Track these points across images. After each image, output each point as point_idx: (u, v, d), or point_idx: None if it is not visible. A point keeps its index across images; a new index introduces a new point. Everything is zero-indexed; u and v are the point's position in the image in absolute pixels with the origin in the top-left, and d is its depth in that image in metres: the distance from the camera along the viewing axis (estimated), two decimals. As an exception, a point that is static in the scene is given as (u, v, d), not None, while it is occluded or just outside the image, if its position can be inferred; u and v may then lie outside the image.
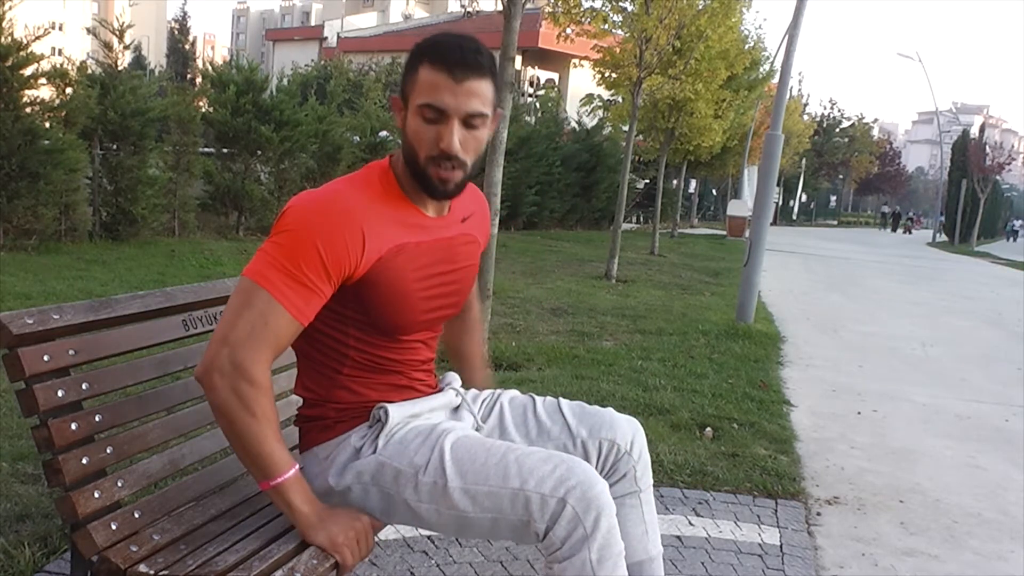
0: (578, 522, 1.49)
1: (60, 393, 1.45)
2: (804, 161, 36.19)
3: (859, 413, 4.69)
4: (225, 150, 11.47)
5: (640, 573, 1.79)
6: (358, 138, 13.45)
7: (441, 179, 1.56)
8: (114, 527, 1.48)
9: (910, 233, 47.49)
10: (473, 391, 1.91)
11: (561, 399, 1.88)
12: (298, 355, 1.69)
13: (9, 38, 8.04)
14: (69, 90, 8.88)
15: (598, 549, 1.50)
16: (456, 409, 1.81)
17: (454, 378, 1.87)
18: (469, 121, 1.53)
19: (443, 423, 1.70)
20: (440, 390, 1.82)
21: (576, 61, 28.24)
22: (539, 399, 1.88)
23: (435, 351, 1.81)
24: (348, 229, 1.50)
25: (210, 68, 12.44)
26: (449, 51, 1.51)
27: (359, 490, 1.62)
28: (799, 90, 42.88)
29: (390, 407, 1.63)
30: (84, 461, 1.46)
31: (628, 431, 1.81)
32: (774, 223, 28.27)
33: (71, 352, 1.49)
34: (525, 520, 1.52)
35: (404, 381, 1.71)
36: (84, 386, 1.50)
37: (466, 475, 1.55)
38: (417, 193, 1.61)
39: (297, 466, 1.52)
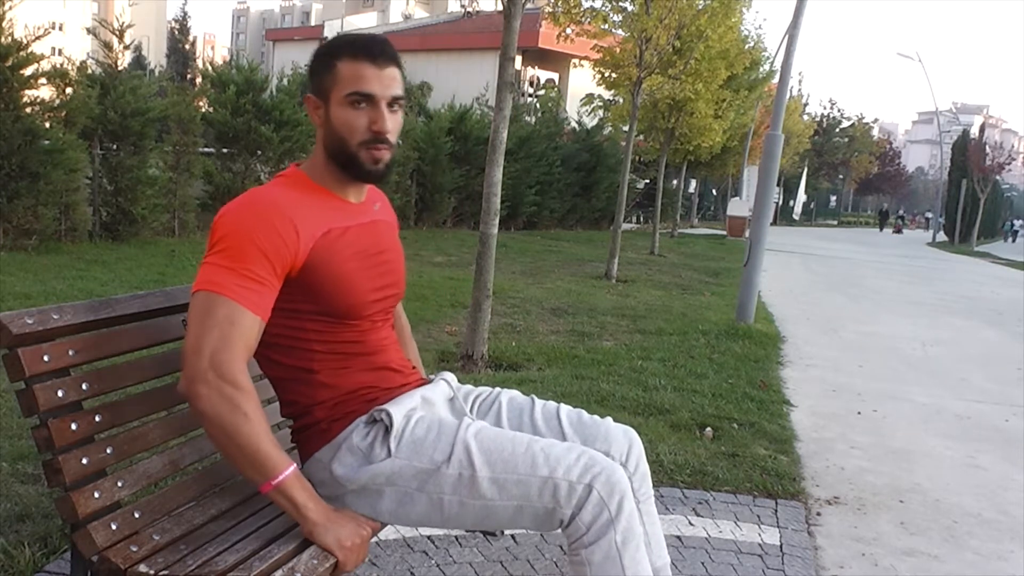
0: (603, 507, 1.55)
1: (60, 393, 1.45)
2: (807, 161, 36.05)
3: (859, 413, 4.69)
4: (225, 150, 11.47)
5: None
6: (358, 138, 13.43)
7: (374, 159, 1.66)
8: (114, 527, 1.48)
9: (900, 232, 46.78)
10: (468, 386, 1.92)
11: (561, 406, 1.88)
12: (269, 377, 1.71)
13: (9, 38, 8.04)
14: (69, 90, 8.88)
15: (622, 532, 1.56)
16: (451, 401, 1.83)
17: (448, 375, 1.89)
18: (392, 104, 1.65)
19: (453, 418, 1.73)
20: (428, 380, 1.84)
21: (576, 61, 28.21)
22: (539, 403, 1.88)
23: (393, 330, 1.84)
24: (280, 221, 1.56)
25: (210, 68, 12.45)
26: (367, 44, 1.64)
27: (373, 491, 1.63)
28: (799, 90, 42.86)
29: (389, 407, 1.64)
30: (84, 461, 1.46)
31: (623, 443, 1.82)
32: (774, 223, 28.26)
33: (71, 352, 1.49)
34: (551, 507, 1.57)
35: (379, 362, 1.72)
36: (84, 386, 1.49)
37: (495, 465, 1.59)
38: (337, 183, 1.70)
39: (295, 464, 1.53)
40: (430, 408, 1.74)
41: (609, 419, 1.87)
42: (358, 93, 1.62)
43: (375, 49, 1.63)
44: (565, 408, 1.87)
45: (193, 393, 1.47)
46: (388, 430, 1.62)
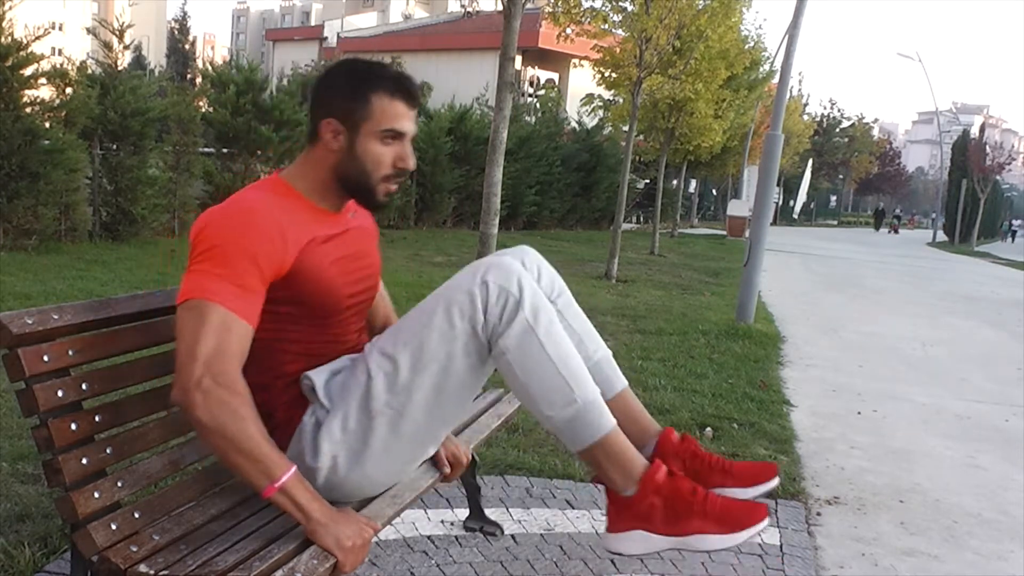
0: (504, 292, 1.59)
1: (60, 393, 1.45)
2: (811, 162, 35.89)
3: (859, 413, 4.69)
4: (225, 150, 11.47)
5: (596, 377, 1.73)
6: (358, 138, 13.43)
7: (389, 193, 1.74)
8: (114, 527, 1.48)
9: (896, 233, 46.34)
10: None
11: None
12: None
13: (9, 38, 8.04)
14: (69, 90, 8.87)
15: (530, 309, 1.59)
16: None
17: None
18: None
19: None
20: None
21: (576, 61, 28.22)
22: None
23: (363, 321, 1.88)
24: (269, 228, 1.57)
25: (210, 68, 12.45)
26: (407, 85, 1.70)
27: (344, 454, 1.63)
28: (799, 90, 42.79)
29: (310, 373, 1.67)
30: (84, 461, 1.46)
31: (516, 255, 1.86)
32: (774, 223, 28.23)
33: (71, 352, 1.49)
34: (469, 329, 1.59)
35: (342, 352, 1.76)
36: (84, 386, 1.49)
37: (403, 341, 1.63)
38: (323, 197, 1.72)
39: (295, 465, 1.53)
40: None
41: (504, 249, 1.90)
42: (394, 131, 1.68)
43: (414, 91, 1.71)
44: None
45: (189, 401, 1.45)
46: (319, 391, 1.65)
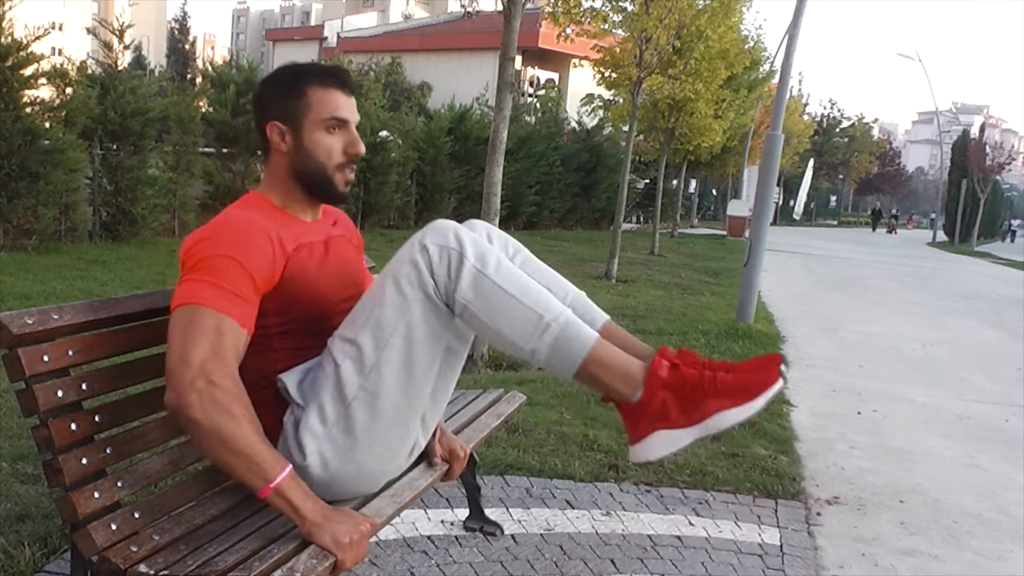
0: (444, 249, 1.58)
1: (60, 393, 1.44)
2: (812, 162, 35.80)
3: (859, 413, 4.69)
4: (225, 150, 11.47)
5: (581, 317, 1.69)
6: (358, 138, 13.44)
7: (347, 181, 1.75)
8: (114, 527, 1.47)
9: (894, 232, 46.10)
10: None
11: None
12: None
13: (9, 38, 8.04)
14: (69, 90, 8.89)
15: (475, 256, 1.58)
16: None
17: None
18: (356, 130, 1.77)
19: None
20: None
21: (576, 61, 28.23)
22: None
23: None
24: (259, 237, 1.59)
25: (210, 68, 12.45)
26: (335, 73, 1.74)
27: (330, 448, 1.63)
28: (799, 90, 42.75)
29: (283, 376, 1.67)
30: (84, 461, 1.46)
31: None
32: (774, 223, 28.20)
33: (71, 352, 1.49)
34: (421, 297, 1.58)
35: None
36: (84, 386, 1.49)
37: (361, 324, 1.62)
38: (298, 205, 1.75)
39: (290, 465, 1.52)
40: None
41: None
42: (335, 118, 1.70)
43: (345, 78, 1.74)
44: None
45: (185, 403, 1.44)
46: (294, 392, 1.65)
